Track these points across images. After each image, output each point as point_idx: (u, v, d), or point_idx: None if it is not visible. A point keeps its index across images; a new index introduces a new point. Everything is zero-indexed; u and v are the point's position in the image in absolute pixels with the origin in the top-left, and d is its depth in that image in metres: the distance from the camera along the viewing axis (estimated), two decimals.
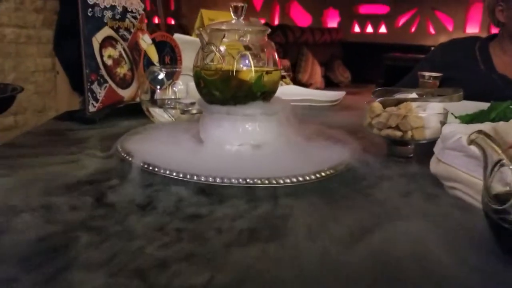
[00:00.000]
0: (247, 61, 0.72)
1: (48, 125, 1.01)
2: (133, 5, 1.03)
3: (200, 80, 0.73)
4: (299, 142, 0.76)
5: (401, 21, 5.07)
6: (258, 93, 0.72)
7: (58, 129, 0.94)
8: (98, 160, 0.73)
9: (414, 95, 0.82)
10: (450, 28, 4.75)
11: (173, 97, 0.99)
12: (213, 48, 0.69)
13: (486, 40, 1.66)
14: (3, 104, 0.98)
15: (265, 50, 0.75)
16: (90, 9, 0.93)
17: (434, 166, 0.62)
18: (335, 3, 5.35)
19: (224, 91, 0.72)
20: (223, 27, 0.73)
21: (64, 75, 2.30)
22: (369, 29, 5.33)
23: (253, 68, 0.72)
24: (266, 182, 0.60)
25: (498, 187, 0.43)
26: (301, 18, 5.62)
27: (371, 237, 0.48)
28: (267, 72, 0.72)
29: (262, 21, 4.75)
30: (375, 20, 5.25)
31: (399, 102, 0.73)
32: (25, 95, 2.63)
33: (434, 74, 1.29)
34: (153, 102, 0.95)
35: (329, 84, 4.89)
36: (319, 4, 5.48)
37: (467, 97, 0.90)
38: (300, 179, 0.61)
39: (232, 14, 0.74)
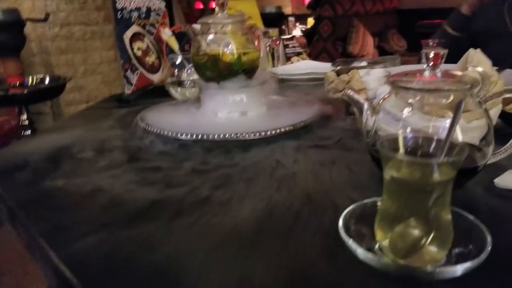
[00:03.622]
0: (230, 46, 0.92)
1: (96, 106, 1.28)
2: (155, 4, 1.26)
3: (195, 63, 0.94)
4: (276, 107, 0.95)
5: None
6: (240, 70, 0.92)
7: (103, 107, 1.21)
8: (123, 129, 0.98)
9: (364, 63, 0.97)
10: None
11: (191, 78, 1.21)
12: (199, 38, 0.90)
13: None
14: (57, 90, 1.26)
15: (248, 35, 0.95)
16: (119, 12, 1.17)
17: None
18: None
19: (213, 70, 0.92)
20: (209, 21, 0.93)
21: None
22: None
23: (235, 50, 0.91)
24: (234, 137, 0.80)
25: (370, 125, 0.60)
26: None
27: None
28: (245, 53, 0.91)
29: None
30: None
31: (350, 70, 0.89)
32: (94, 85, 2.99)
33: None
34: (174, 83, 1.18)
35: (383, 54, 4.87)
36: None
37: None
38: (263, 134, 0.81)
39: (217, 8, 0.94)
